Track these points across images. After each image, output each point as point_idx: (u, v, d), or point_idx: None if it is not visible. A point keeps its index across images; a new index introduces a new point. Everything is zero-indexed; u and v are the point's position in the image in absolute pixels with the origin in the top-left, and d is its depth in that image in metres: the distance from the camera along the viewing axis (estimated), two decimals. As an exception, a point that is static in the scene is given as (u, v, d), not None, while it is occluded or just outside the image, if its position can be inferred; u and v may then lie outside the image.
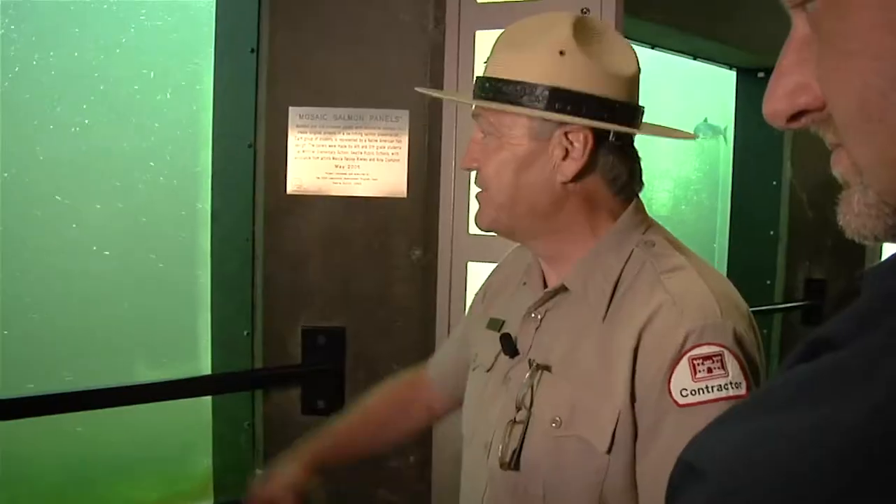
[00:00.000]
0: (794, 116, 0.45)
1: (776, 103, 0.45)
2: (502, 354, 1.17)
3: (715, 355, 0.98)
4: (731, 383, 0.97)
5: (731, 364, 0.98)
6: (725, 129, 3.97)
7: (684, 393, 0.98)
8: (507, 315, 1.23)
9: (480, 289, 1.39)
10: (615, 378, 1.03)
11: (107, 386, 2.08)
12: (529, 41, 1.09)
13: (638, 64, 1.13)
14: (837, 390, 0.38)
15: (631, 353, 1.02)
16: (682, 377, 0.98)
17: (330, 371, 2.22)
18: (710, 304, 1.01)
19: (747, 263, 3.77)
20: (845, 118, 0.42)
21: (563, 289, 1.13)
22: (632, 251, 1.10)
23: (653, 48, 3.10)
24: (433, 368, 1.50)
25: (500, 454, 1.09)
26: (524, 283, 1.23)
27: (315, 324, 2.23)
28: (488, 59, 1.14)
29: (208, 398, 2.36)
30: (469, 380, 1.28)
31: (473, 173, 1.17)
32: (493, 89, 1.10)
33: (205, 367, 2.38)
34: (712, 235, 4.12)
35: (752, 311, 1.08)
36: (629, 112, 1.11)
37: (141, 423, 2.30)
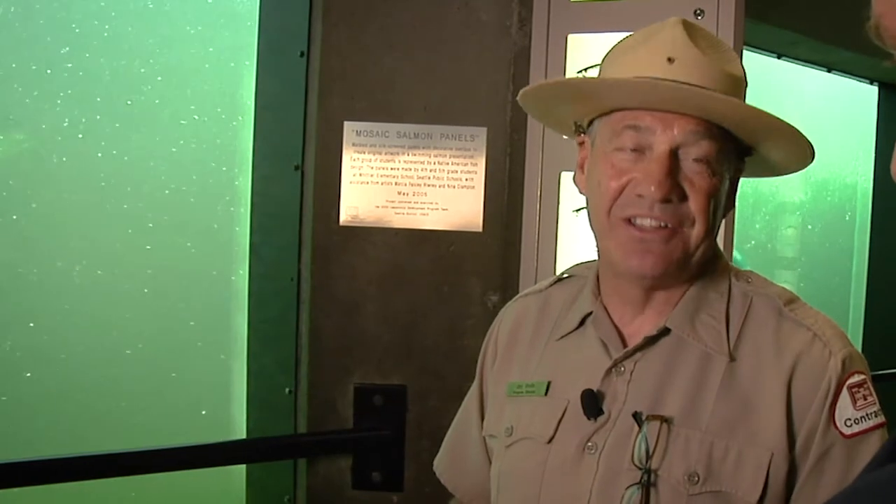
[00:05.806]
0: None
1: None
2: (569, 419, 1.12)
3: (863, 382, 1.04)
4: (879, 410, 1.04)
5: (872, 389, 1.05)
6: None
7: (849, 423, 1.02)
8: (553, 375, 1.18)
9: (486, 360, 1.35)
10: (763, 420, 1.04)
11: (121, 451, 1.93)
12: (729, 50, 1.10)
13: None
14: None
15: (784, 391, 1.04)
16: (844, 408, 1.02)
17: (387, 438, 2.12)
18: (842, 332, 1.08)
19: (888, 318, 3.53)
20: None
21: (664, 332, 1.10)
22: (729, 285, 1.12)
23: (779, 58, 2.96)
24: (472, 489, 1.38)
25: None
26: (561, 338, 1.19)
27: (370, 381, 2.13)
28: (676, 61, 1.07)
29: (242, 467, 2.26)
30: (507, 456, 1.20)
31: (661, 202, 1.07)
32: None
33: (239, 430, 2.27)
34: (847, 282, 3.98)
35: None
36: None
37: (162, 494, 2.20)
